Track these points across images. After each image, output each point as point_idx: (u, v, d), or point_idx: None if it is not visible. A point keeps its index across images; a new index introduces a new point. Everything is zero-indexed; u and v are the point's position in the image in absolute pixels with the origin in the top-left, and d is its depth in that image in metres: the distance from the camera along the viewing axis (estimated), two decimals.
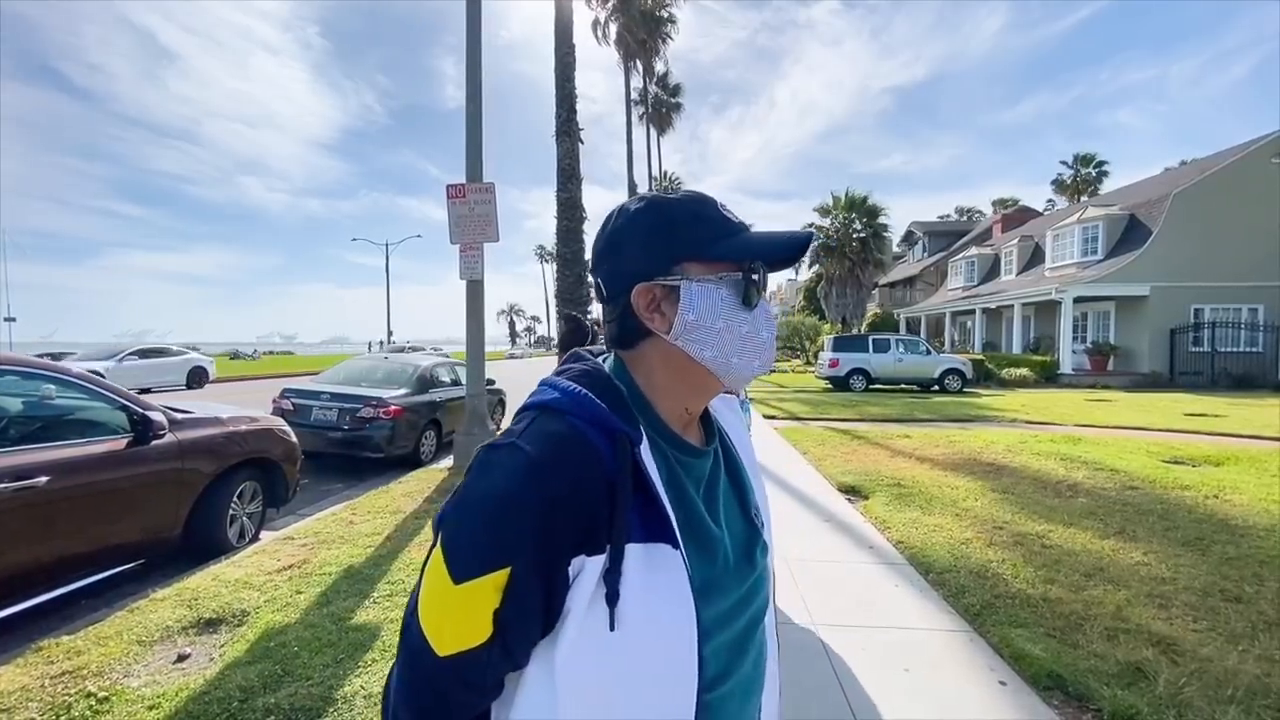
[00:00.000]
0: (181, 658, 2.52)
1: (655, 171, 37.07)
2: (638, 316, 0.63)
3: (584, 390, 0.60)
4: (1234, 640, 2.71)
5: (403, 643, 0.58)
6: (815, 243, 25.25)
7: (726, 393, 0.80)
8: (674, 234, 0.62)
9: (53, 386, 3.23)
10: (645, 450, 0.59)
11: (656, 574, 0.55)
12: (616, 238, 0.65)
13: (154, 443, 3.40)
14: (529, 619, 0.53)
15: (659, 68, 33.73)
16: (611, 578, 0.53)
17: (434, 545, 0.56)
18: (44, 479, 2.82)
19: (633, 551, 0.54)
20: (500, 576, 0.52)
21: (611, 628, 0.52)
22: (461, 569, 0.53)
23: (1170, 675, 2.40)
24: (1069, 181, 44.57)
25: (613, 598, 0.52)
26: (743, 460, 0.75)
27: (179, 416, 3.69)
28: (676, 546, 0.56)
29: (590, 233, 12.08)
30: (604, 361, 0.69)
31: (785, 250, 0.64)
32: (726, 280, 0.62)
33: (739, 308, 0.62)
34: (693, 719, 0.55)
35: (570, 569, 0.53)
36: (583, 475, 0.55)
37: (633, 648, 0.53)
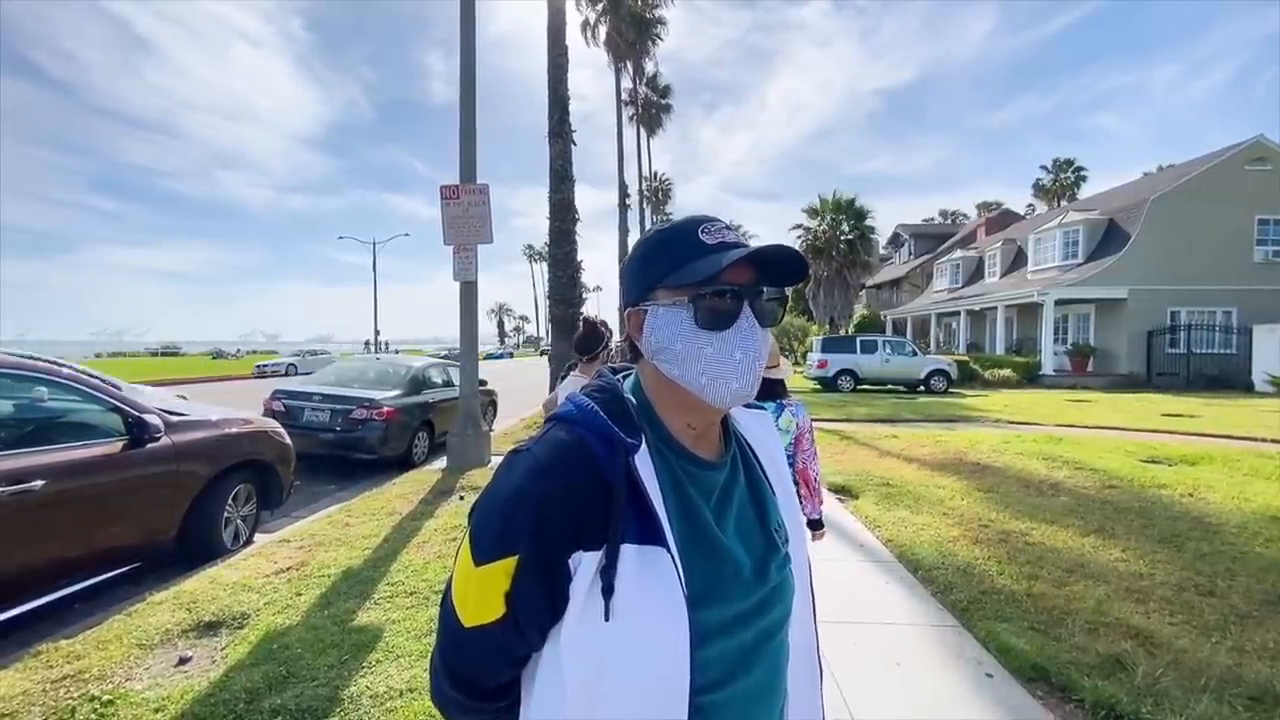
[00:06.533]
0: (183, 660, 2.52)
1: (645, 171, 37.12)
2: (633, 339, 0.72)
3: (593, 405, 0.66)
4: (1207, 632, 2.84)
5: (440, 612, 0.68)
6: (802, 244, 25.46)
7: (754, 407, 0.84)
8: (650, 262, 0.69)
9: (46, 389, 3.21)
10: (644, 459, 0.63)
11: (649, 574, 0.59)
12: (622, 267, 0.74)
13: (149, 445, 3.38)
14: (535, 602, 0.59)
15: (649, 68, 33.75)
16: (607, 573, 0.58)
17: (467, 532, 0.65)
18: (40, 483, 2.81)
19: (628, 551, 0.59)
20: (510, 563, 0.59)
21: (606, 618, 0.57)
22: (480, 553, 0.61)
23: (1148, 666, 2.51)
24: (1049, 185, 45.47)
25: (607, 591, 0.57)
26: (769, 477, 0.78)
27: (174, 419, 3.67)
28: (669, 551, 0.60)
29: (582, 234, 11.99)
30: (626, 378, 0.76)
31: (742, 265, 0.64)
32: (683, 304, 0.65)
33: (700, 330, 0.64)
34: (685, 715, 0.58)
35: (571, 562, 0.59)
36: (578, 477, 0.61)
37: (625, 639, 0.57)
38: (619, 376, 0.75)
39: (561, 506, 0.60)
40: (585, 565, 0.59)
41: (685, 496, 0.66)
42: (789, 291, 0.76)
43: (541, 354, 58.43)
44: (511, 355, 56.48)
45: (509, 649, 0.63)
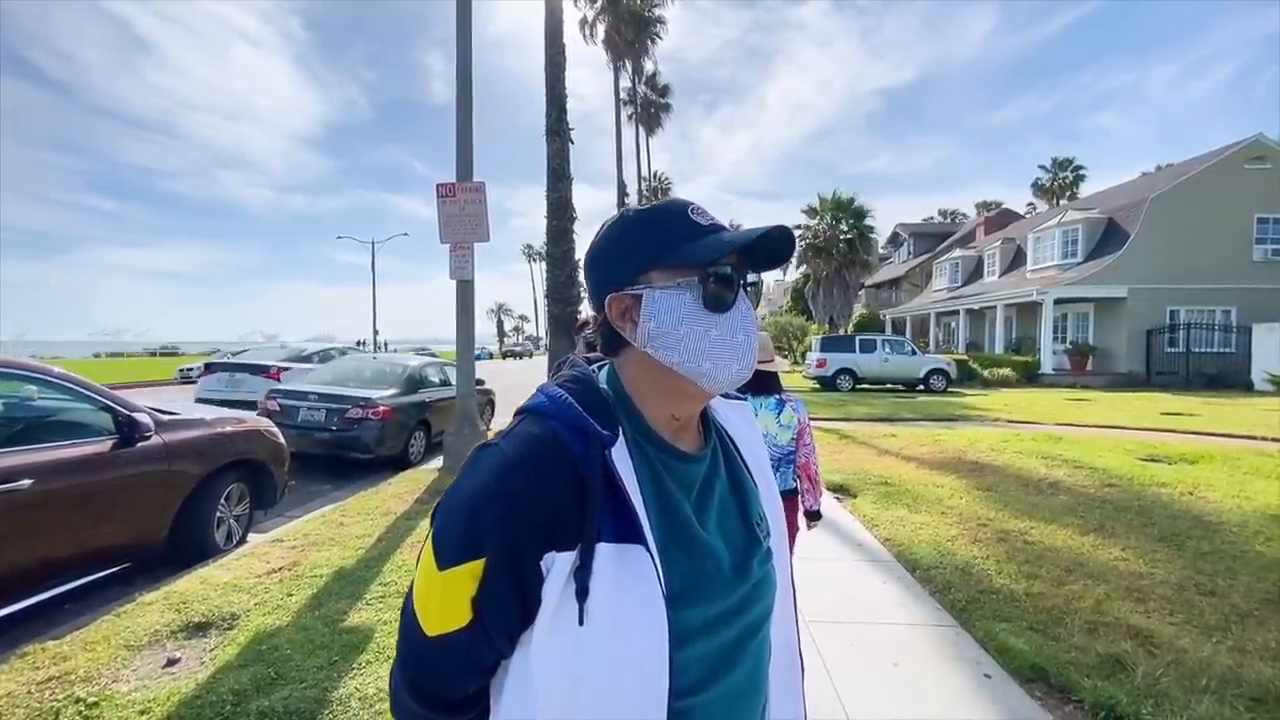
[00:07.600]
0: (171, 662, 2.49)
1: (645, 171, 37.11)
2: (614, 325, 0.66)
3: (566, 396, 0.62)
4: (1208, 632, 2.81)
5: (401, 622, 0.63)
6: (801, 243, 25.45)
7: (734, 398, 0.81)
8: (638, 244, 0.64)
9: (35, 388, 3.18)
10: (621, 453, 0.60)
11: (626, 574, 0.56)
12: (596, 250, 0.68)
13: (140, 445, 3.35)
14: (504, 607, 0.56)
15: (648, 68, 33.79)
16: (581, 574, 0.55)
17: (429, 535, 0.60)
18: (28, 482, 2.78)
19: (604, 551, 0.56)
20: (476, 566, 0.55)
21: (580, 622, 0.54)
22: (444, 557, 0.57)
23: (1148, 666, 2.48)
24: (1048, 185, 45.48)
25: (581, 593, 0.54)
26: (750, 469, 0.75)
27: (165, 418, 3.64)
28: (648, 549, 0.57)
29: (580, 233, 11.99)
30: (601, 369, 0.72)
31: (740, 248, 0.62)
32: (686, 285, 0.62)
33: (703, 312, 0.61)
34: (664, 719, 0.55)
35: (543, 564, 0.55)
36: (550, 472, 0.57)
37: (601, 643, 0.54)
38: (594, 367, 0.71)
39: (532, 504, 0.56)
40: (558, 566, 0.55)
41: (664, 490, 0.63)
42: (763, 279, 0.73)
43: (505, 356, 56.74)
44: (492, 356, 54.33)
45: (476, 658, 0.59)
